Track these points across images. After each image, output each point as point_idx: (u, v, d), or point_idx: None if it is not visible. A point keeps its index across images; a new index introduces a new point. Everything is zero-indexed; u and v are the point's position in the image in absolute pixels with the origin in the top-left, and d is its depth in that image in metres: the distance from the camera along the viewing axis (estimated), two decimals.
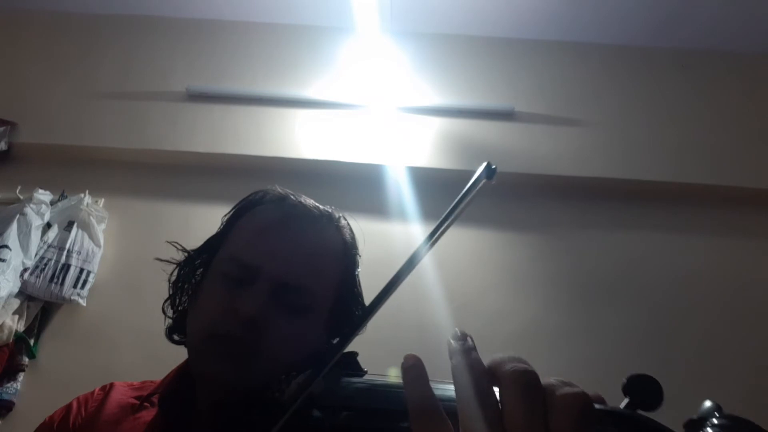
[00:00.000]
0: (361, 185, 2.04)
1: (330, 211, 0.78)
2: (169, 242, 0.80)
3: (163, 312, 0.77)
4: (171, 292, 0.76)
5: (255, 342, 0.63)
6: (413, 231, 1.95)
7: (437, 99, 2.15)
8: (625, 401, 0.35)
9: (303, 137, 2.09)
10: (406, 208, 1.99)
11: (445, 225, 0.47)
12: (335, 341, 0.75)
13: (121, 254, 1.94)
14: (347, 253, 0.77)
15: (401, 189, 2.03)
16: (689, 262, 1.96)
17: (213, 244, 0.75)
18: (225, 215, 0.77)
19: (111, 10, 2.31)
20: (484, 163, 0.41)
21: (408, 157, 2.05)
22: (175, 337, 0.75)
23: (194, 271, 0.75)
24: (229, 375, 0.62)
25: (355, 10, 2.14)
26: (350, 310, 0.76)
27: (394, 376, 0.39)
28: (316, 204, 0.77)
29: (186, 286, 0.75)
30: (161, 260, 0.78)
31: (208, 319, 0.66)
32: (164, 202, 2.01)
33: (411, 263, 0.46)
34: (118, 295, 1.86)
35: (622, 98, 2.17)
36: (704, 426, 0.32)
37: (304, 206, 0.74)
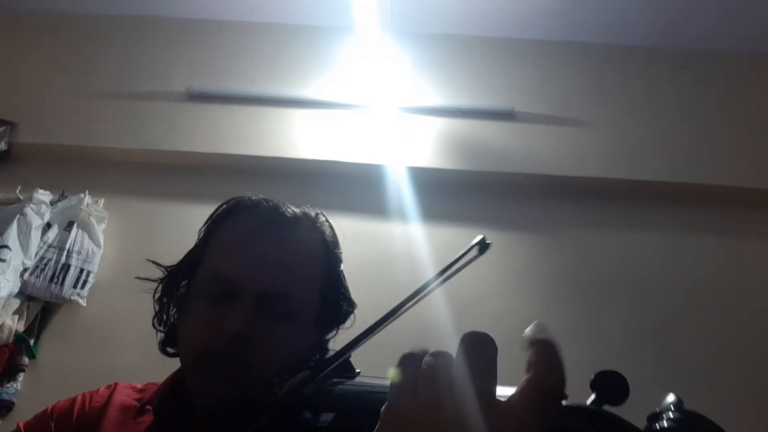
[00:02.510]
0: (361, 185, 2.04)
1: (306, 211, 0.77)
2: (150, 260, 0.80)
3: (154, 327, 0.78)
4: (157, 309, 0.78)
5: (245, 357, 0.64)
6: (413, 231, 1.95)
7: (437, 99, 2.15)
8: (592, 397, 0.37)
9: (303, 137, 2.09)
10: (406, 208, 1.99)
11: (431, 287, 0.51)
12: (331, 351, 0.76)
13: (121, 254, 1.94)
14: (328, 251, 0.76)
15: (401, 189, 2.03)
16: (689, 262, 1.96)
17: (193, 257, 0.76)
18: (201, 227, 0.78)
19: (111, 11, 2.30)
20: (480, 237, 0.46)
21: (408, 157, 2.05)
22: (169, 350, 0.77)
23: (178, 285, 0.77)
24: (223, 391, 0.64)
25: (355, 10, 2.14)
26: (338, 306, 0.76)
27: (390, 376, 0.40)
28: (291, 207, 0.76)
29: (172, 300, 0.77)
30: (141, 278, 0.79)
31: (197, 337, 0.67)
32: (164, 202, 2.01)
33: (393, 314, 0.49)
34: (118, 295, 1.85)
35: (622, 98, 2.17)
36: (661, 418, 0.33)
37: (279, 211, 0.74)
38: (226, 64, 2.23)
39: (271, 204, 0.75)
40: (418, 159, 2.05)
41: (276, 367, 0.62)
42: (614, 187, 2.05)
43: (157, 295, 0.78)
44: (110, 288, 1.87)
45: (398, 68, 2.20)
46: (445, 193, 2.05)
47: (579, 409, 0.36)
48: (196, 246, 0.77)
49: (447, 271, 0.47)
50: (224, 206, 0.77)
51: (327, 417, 0.51)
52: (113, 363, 1.74)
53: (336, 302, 0.76)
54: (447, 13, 2.18)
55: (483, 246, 0.47)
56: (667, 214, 2.05)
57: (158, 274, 0.80)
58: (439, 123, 2.12)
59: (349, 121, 2.11)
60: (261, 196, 0.77)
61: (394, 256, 1.89)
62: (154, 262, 0.80)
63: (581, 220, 2.04)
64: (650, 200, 2.06)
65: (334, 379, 0.53)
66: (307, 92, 2.15)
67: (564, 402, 0.36)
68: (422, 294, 0.50)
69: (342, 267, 0.79)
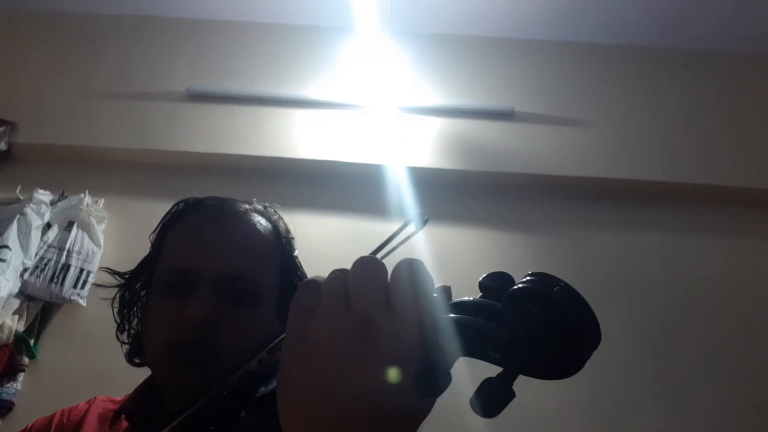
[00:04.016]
0: (361, 185, 2.04)
1: (255, 204, 0.79)
2: (103, 268, 0.82)
3: (118, 339, 0.78)
4: (118, 321, 0.78)
5: (212, 343, 0.65)
6: (413, 231, 1.94)
7: (437, 99, 2.15)
8: (479, 295, 0.39)
9: (303, 137, 2.09)
10: (406, 208, 1.99)
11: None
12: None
13: (121, 254, 1.93)
14: (281, 237, 0.77)
15: (401, 189, 2.03)
16: (689, 262, 1.96)
17: (148, 264, 0.77)
18: (151, 233, 0.79)
19: (111, 10, 2.30)
20: (415, 214, 0.46)
21: (408, 157, 2.05)
22: (136, 361, 0.77)
23: (137, 295, 0.77)
24: (195, 380, 0.64)
25: (355, 10, 2.14)
26: None
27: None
28: (239, 201, 0.78)
29: (132, 310, 0.77)
30: (98, 285, 0.80)
31: (163, 331, 0.67)
32: (164, 202, 1.98)
33: None
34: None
35: (622, 98, 2.17)
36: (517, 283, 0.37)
37: (228, 204, 0.76)
38: (226, 64, 2.23)
39: (218, 199, 0.77)
40: (418, 159, 2.05)
41: (243, 352, 0.63)
42: (614, 187, 2.05)
43: (116, 307, 0.79)
44: (110, 288, 1.87)
45: (398, 68, 2.20)
46: (445, 193, 2.05)
47: (456, 302, 0.39)
48: (149, 253, 0.78)
49: (381, 249, 0.47)
50: (173, 209, 0.79)
51: (275, 381, 0.52)
52: (113, 363, 1.73)
53: (294, 286, 0.76)
54: (447, 13, 2.18)
55: (421, 221, 0.48)
56: (667, 214, 2.05)
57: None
58: (439, 123, 2.12)
59: (349, 121, 2.11)
60: (208, 194, 0.78)
61: (394, 257, 1.89)
62: (108, 270, 0.80)
63: (581, 220, 2.04)
64: (650, 200, 2.06)
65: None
66: (307, 92, 2.15)
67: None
68: None
69: (296, 253, 0.80)
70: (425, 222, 0.48)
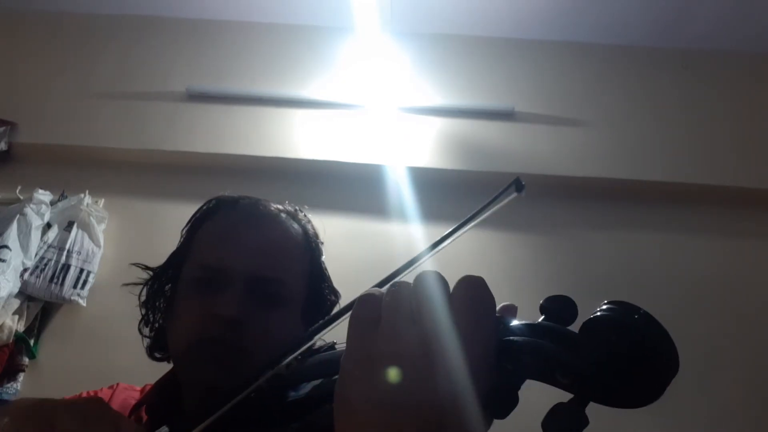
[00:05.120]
0: (361, 185, 2.04)
1: (286, 206, 0.80)
2: (133, 264, 0.81)
3: (140, 332, 0.79)
4: (143, 312, 0.78)
5: (239, 341, 0.65)
6: (413, 231, 1.94)
7: (437, 99, 2.15)
8: (541, 318, 0.38)
9: (303, 137, 2.09)
10: (406, 208, 1.99)
11: (466, 228, 0.52)
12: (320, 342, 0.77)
13: (121, 254, 1.93)
14: (310, 242, 0.78)
15: (401, 189, 2.03)
16: (689, 262, 1.96)
17: (177, 258, 0.77)
18: (183, 228, 0.79)
19: (111, 10, 2.30)
20: (515, 178, 0.47)
21: (408, 157, 2.05)
22: (156, 355, 0.77)
23: (163, 288, 0.77)
24: (220, 378, 0.64)
25: (355, 10, 2.14)
26: (323, 295, 0.78)
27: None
28: (272, 202, 0.79)
29: (157, 303, 0.77)
30: (128, 285, 0.80)
31: (190, 327, 0.67)
32: (164, 202, 2.01)
33: (413, 263, 0.50)
34: (118, 295, 1.85)
35: (622, 98, 2.17)
36: (595, 312, 0.36)
37: (261, 205, 0.76)
38: (226, 64, 2.23)
39: (252, 199, 0.78)
40: (418, 159, 2.05)
41: (266, 355, 0.62)
42: (614, 187, 2.05)
43: (143, 299, 0.79)
44: (110, 288, 1.87)
45: (398, 68, 2.20)
46: (445, 193, 2.04)
47: (524, 324, 0.38)
48: (179, 247, 0.78)
49: (482, 212, 0.48)
50: (205, 207, 0.79)
51: (306, 387, 0.53)
52: (113, 363, 1.74)
53: (321, 291, 0.78)
54: (447, 13, 2.18)
55: (519, 186, 0.49)
56: (667, 214, 2.05)
57: (146, 276, 0.80)
58: (439, 123, 2.12)
59: (349, 121, 2.11)
60: (241, 194, 0.79)
61: (394, 256, 1.88)
62: (138, 265, 0.80)
63: (581, 220, 2.04)
64: (650, 200, 2.06)
65: (311, 355, 0.54)
66: (307, 92, 2.15)
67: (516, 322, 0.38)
68: (456, 235, 0.53)
69: (323, 258, 0.80)
70: (523, 187, 0.49)
